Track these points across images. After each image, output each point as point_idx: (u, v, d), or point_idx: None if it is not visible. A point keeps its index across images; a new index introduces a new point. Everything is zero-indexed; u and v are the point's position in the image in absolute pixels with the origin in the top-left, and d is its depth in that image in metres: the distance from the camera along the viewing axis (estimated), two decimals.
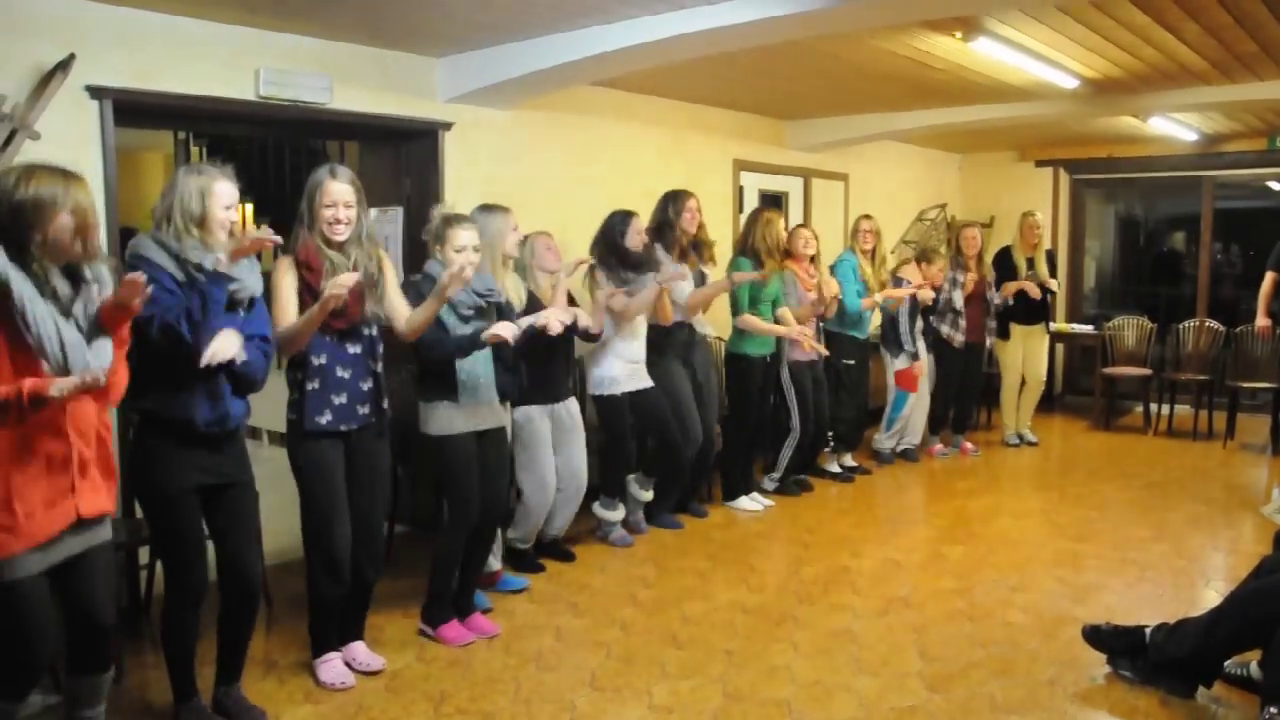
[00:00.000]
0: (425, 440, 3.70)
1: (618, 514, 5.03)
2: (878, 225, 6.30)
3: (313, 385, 3.25)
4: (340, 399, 3.29)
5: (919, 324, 6.66)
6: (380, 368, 3.41)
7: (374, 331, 3.40)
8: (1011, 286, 6.97)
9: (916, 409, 6.85)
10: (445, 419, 3.67)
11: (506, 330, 3.52)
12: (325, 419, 3.25)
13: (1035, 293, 7.01)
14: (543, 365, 4.36)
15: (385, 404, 3.44)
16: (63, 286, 2.43)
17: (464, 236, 3.64)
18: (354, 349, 3.33)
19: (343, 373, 3.30)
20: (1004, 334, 7.20)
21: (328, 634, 3.47)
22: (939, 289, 6.78)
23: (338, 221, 3.25)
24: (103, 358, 2.46)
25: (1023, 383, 7.35)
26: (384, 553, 3.57)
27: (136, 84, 3.95)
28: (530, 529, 4.57)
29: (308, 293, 3.24)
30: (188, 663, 3.08)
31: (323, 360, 3.26)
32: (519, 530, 4.55)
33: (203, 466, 2.93)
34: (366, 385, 3.36)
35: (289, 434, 3.33)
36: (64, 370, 2.36)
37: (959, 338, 6.86)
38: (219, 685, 3.20)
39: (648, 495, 5.17)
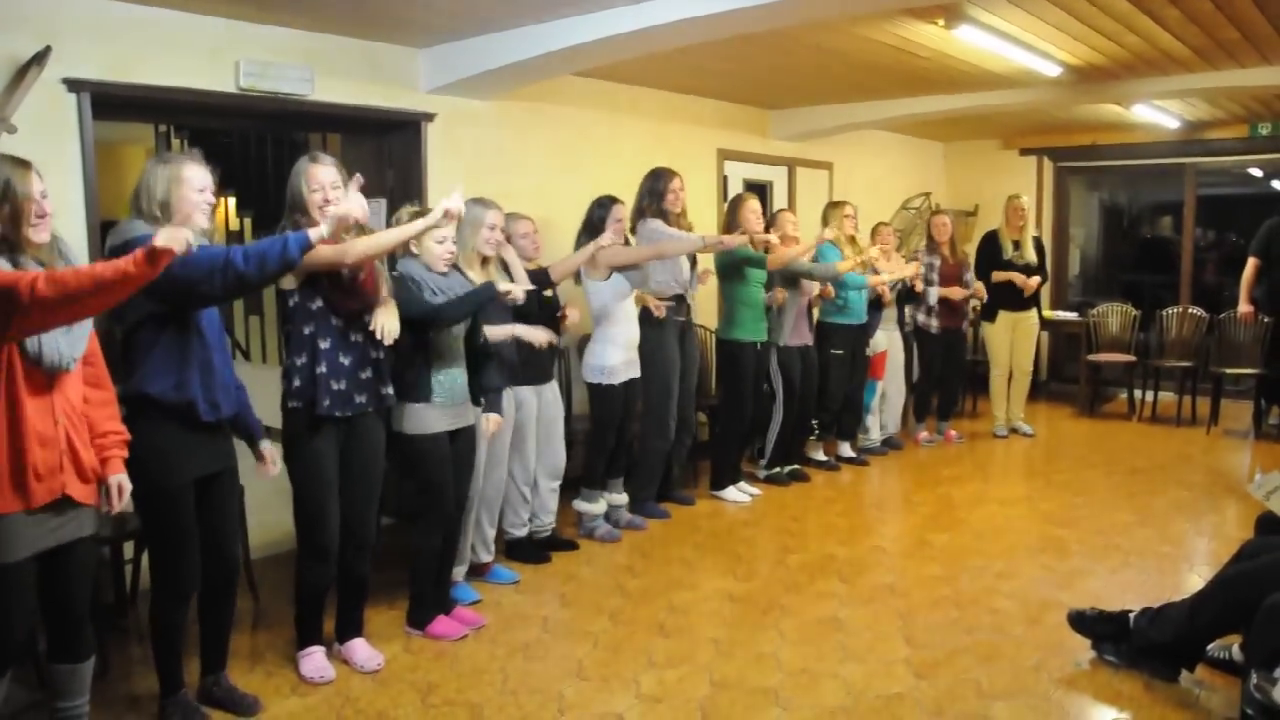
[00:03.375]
0: (401, 439, 3.66)
1: (599, 507, 4.99)
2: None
3: (320, 369, 3.22)
4: (340, 385, 3.26)
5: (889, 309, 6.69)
6: (382, 354, 3.39)
7: None
8: (1000, 276, 6.97)
9: (891, 396, 6.89)
10: (424, 419, 3.63)
11: (519, 291, 3.89)
12: (324, 403, 3.23)
13: (1029, 287, 6.99)
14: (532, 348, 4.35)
15: (387, 390, 3.41)
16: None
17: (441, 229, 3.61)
18: (356, 336, 3.31)
19: (344, 358, 3.27)
20: (989, 316, 7.20)
21: (313, 625, 3.46)
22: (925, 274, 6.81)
23: (327, 203, 3.23)
24: (76, 346, 2.51)
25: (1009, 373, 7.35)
26: (374, 545, 3.55)
27: (114, 76, 3.92)
28: (521, 512, 4.56)
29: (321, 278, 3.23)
30: (176, 655, 3.06)
31: (327, 345, 3.24)
32: (513, 516, 4.54)
33: (201, 457, 2.95)
34: (365, 374, 3.33)
35: (285, 421, 3.30)
36: (39, 356, 2.40)
37: (934, 323, 6.89)
38: (205, 675, 3.20)
39: (621, 498, 5.15)
